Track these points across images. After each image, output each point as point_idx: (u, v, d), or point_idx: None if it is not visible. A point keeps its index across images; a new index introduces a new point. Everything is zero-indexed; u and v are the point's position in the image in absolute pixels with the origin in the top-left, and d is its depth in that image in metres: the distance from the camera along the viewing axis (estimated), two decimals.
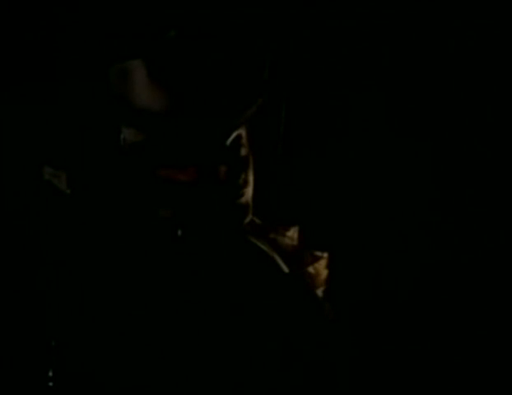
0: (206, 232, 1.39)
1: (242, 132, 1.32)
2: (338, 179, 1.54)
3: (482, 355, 1.52)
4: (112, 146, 1.43)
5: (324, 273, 1.44)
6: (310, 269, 1.43)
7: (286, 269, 1.37)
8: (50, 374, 1.44)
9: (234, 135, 1.30)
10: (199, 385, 1.36)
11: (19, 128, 1.50)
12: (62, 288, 1.41)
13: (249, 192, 1.35)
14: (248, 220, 1.36)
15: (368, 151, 1.57)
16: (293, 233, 1.44)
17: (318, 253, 1.45)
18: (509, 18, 1.54)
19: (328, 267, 1.44)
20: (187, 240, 1.40)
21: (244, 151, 1.33)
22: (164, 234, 1.40)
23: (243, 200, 1.35)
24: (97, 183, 1.43)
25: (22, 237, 1.47)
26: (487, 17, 1.55)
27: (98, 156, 1.44)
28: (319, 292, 1.42)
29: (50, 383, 1.45)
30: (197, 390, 1.36)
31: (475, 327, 1.52)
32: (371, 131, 1.58)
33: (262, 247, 1.38)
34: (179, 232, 1.39)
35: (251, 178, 1.35)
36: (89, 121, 1.46)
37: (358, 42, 1.61)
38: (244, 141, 1.33)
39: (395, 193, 1.56)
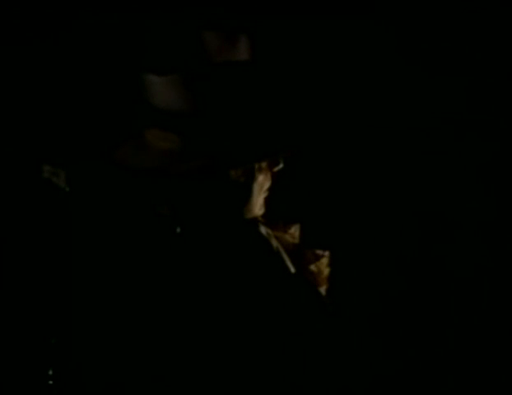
0: (206, 228, 1.39)
1: None
2: (340, 177, 1.54)
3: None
4: (110, 142, 1.43)
5: (326, 272, 1.44)
6: (312, 267, 1.43)
7: (292, 268, 1.37)
8: (50, 372, 1.44)
9: None
10: (199, 384, 1.36)
11: (17, 126, 1.49)
12: (62, 286, 1.41)
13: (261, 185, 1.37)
14: (261, 212, 1.36)
15: (369, 149, 1.57)
16: (294, 231, 1.44)
17: (320, 252, 1.44)
18: None
19: (330, 265, 1.44)
20: (186, 237, 1.39)
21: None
22: (163, 231, 1.39)
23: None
24: (96, 181, 1.43)
25: (21, 234, 1.46)
26: None
27: (97, 154, 1.43)
28: (321, 290, 1.42)
29: (50, 382, 1.45)
30: (197, 389, 1.36)
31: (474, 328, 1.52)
32: (371, 129, 1.58)
33: (273, 243, 1.38)
34: (178, 229, 1.39)
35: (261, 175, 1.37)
36: (87, 118, 1.45)
37: None
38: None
39: (395, 191, 1.56)
